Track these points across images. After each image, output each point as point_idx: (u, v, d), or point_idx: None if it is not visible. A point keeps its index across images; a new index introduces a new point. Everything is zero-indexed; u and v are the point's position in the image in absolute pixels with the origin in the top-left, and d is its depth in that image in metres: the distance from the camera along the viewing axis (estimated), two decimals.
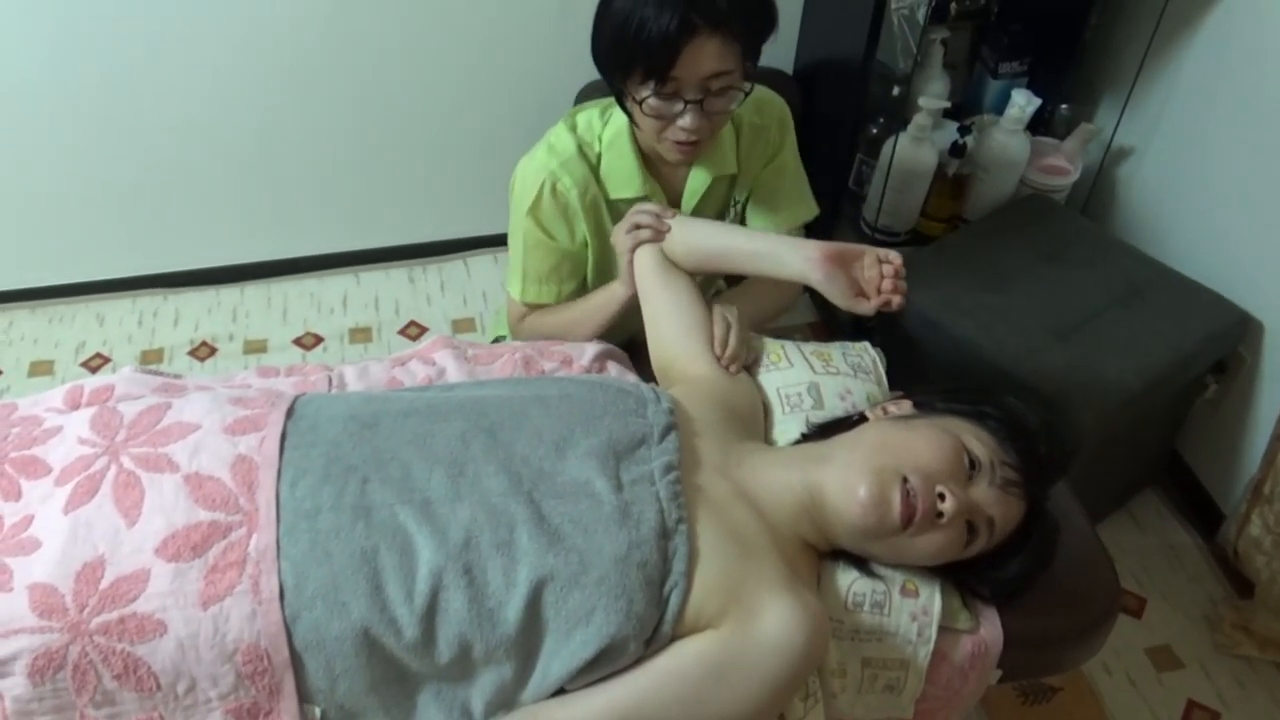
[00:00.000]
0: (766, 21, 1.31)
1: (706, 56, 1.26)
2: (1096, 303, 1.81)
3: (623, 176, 1.45)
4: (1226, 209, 1.91)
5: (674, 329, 1.30)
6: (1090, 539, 1.25)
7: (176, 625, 0.91)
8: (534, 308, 1.54)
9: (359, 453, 1.00)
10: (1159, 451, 2.10)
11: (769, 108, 1.52)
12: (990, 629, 1.12)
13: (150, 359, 2.27)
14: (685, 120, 1.31)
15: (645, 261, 1.35)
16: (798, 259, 1.23)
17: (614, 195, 1.46)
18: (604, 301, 1.45)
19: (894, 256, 1.21)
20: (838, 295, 1.21)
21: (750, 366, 1.31)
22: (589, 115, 1.47)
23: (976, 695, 1.18)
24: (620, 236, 1.38)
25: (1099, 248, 1.95)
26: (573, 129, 1.46)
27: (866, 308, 1.20)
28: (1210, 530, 2.01)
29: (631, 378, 1.30)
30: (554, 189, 1.43)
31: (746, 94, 1.34)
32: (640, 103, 1.31)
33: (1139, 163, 2.15)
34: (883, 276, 1.20)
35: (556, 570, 0.93)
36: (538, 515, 0.96)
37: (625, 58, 1.28)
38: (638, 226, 1.36)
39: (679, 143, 1.35)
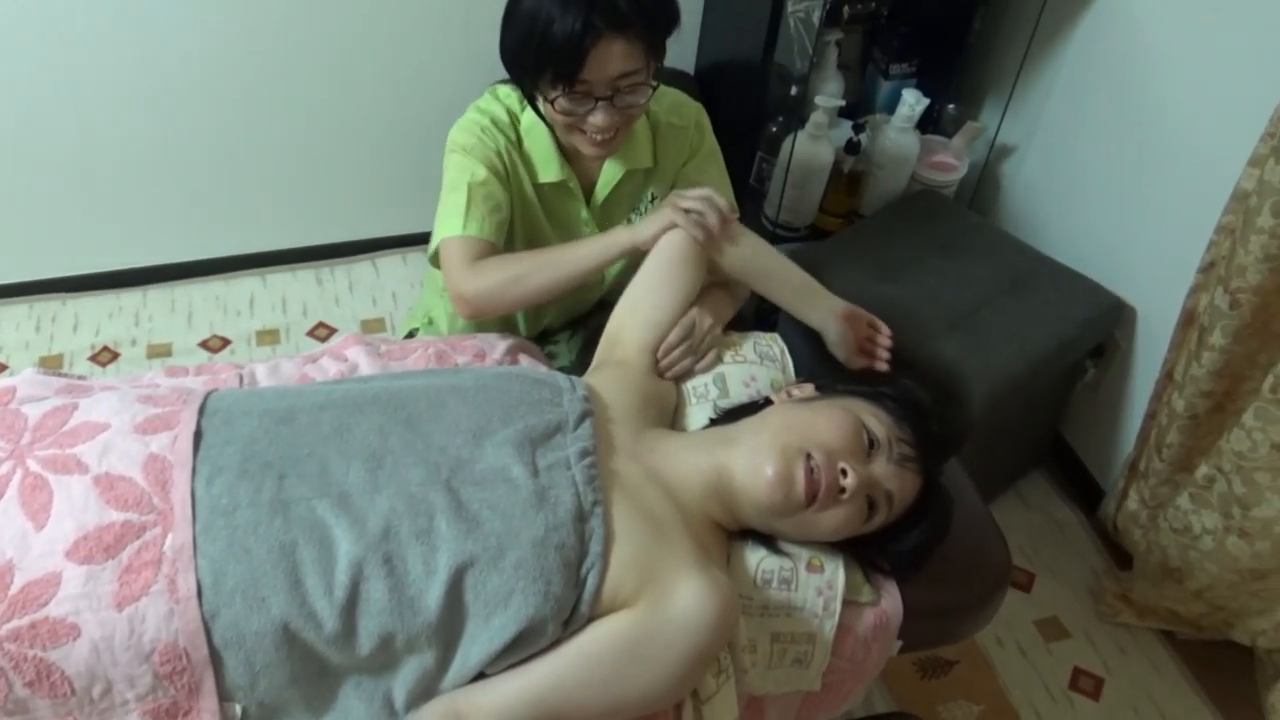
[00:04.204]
0: (668, 18, 1.35)
1: (613, 58, 1.29)
2: (984, 292, 1.90)
3: (543, 160, 1.47)
4: (1101, 202, 2.02)
5: (648, 311, 1.30)
6: (982, 514, 1.32)
7: (90, 628, 0.90)
8: (479, 250, 1.40)
9: (275, 448, 1.00)
10: (1044, 434, 2.21)
11: (686, 110, 1.56)
12: (891, 601, 1.18)
13: (49, 365, 2.19)
14: (597, 118, 1.34)
15: (678, 240, 1.31)
16: (825, 311, 1.36)
17: (541, 179, 1.48)
18: (604, 246, 1.35)
19: (882, 326, 1.38)
20: (843, 350, 1.35)
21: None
22: (508, 90, 1.48)
23: (879, 665, 1.23)
24: (673, 207, 1.31)
25: (985, 240, 2.05)
26: (497, 97, 1.48)
27: (858, 363, 1.35)
28: (1092, 507, 2.13)
29: (543, 369, 1.32)
30: (484, 133, 1.44)
31: (655, 89, 1.38)
32: (551, 102, 1.34)
33: (1021, 159, 2.26)
34: (871, 341, 1.37)
35: (475, 555, 0.95)
36: (456, 503, 0.98)
37: (533, 62, 1.31)
38: (699, 213, 1.30)
39: (593, 139, 1.38)
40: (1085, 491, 2.16)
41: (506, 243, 1.46)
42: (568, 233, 1.55)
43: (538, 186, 1.49)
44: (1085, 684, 1.86)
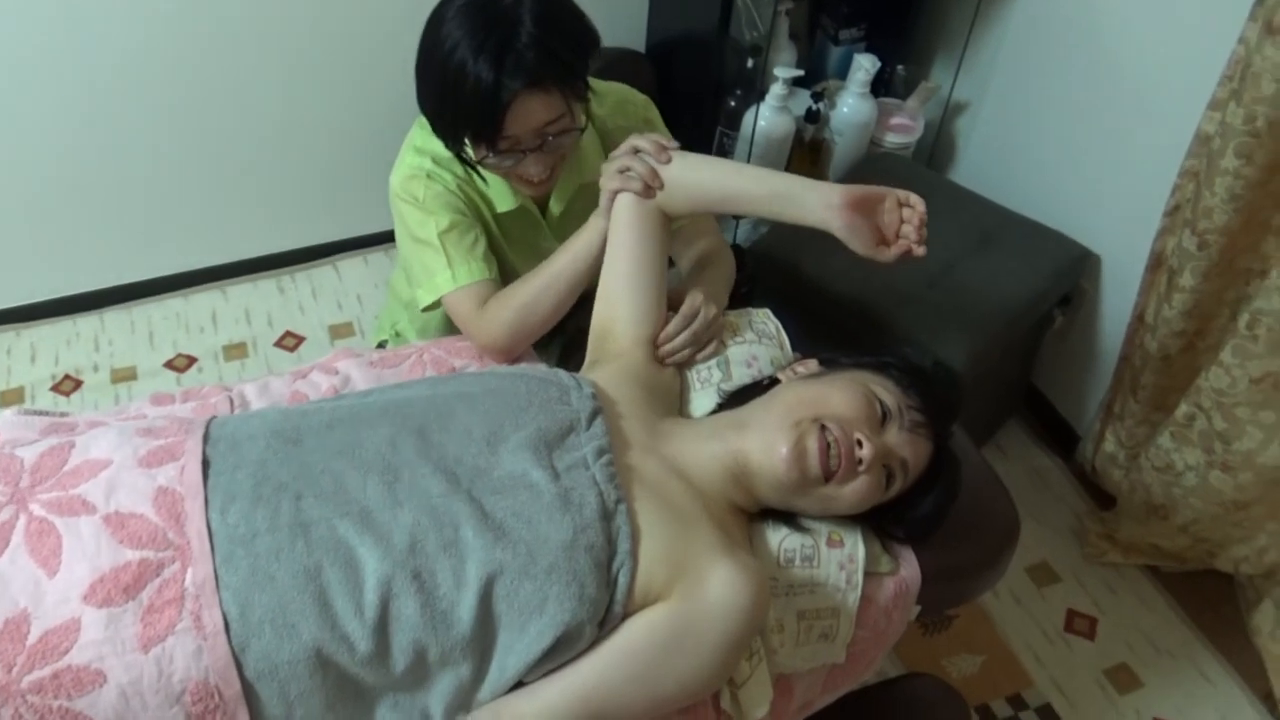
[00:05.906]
0: (582, 53, 1.29)
1: (532, 112, 1.25)
2: (955, 250, 1.92)
3: (495, 191, 1.43)
4: (1059, 153, 2.05)
5: (627, 305, 1.26)
6: (985, 471, 1.35)
7: (117, 673, 0.87)
8: (482, 294, 1.37)
9: (287, 469, 0.98)
10: (1018, 384, 2.25)
11: (632, 109, 1.50)
12: (909, 568, 1.20)
13: (10, 400, 2.12)
14: (529, 168, 1.31)
15: (626, 205, 1.26)
16: (819, 206, 1.18)
17: (499, 209, 1.44)
18: (586, 241, 1.31)
19: (915, 200, 1.18)
20: (860, 245, 1.18)
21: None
22: None
23: (900, 631, 1.25)
24: (610, 171, 1.27)
25: (949, 199, 2.06)
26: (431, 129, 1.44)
27: (887, 256, 1.18)
28: (1069, 452, 2.18)
29: (542, 367, 1.31)
30: (430, 179, 1.39)
31: (583, 130, 1.34)
32: (481, 160, 1.30)
33: (976, 116, 2.28)
34: (903, 221, 1.18)
35: (505, 564, 0.94)
36: (481, 512, 0.97)
37: (451, 125, 1.27)
38: (627, 169, 1.24)
39: (529, 182, 1.35)
40: (1061, 437, 2.21)
41: None
42: (533, 256, 1.50)
43: (496, 216, 1.46)
44: (1080, 625, 1.91)
